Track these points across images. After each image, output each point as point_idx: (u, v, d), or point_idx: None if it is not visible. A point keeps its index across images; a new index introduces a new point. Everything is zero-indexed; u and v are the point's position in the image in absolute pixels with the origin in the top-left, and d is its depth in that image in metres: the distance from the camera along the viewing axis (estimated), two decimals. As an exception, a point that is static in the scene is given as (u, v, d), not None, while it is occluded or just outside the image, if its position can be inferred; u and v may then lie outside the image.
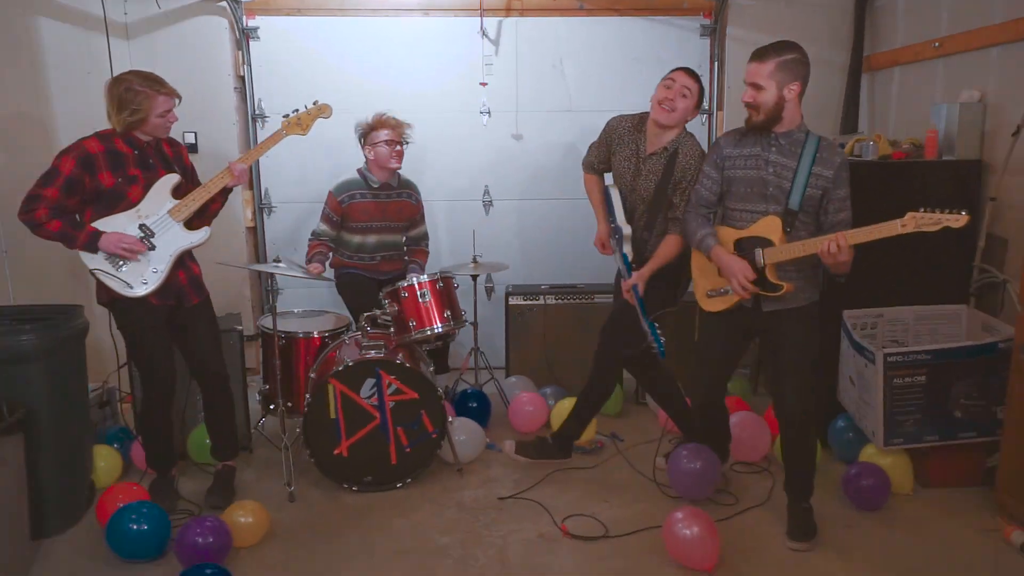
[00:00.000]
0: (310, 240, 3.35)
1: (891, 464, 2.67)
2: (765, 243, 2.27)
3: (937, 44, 3.19)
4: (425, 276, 2.97)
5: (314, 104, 2.69)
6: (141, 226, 2.45)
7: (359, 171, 3.34)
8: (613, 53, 3.86)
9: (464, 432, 3.01)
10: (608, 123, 2.78)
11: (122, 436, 2.99)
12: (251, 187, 3.90)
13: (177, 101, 2.54)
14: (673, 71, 2.62)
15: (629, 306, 2.64)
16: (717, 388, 2.63)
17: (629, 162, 2.69)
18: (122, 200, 2.44)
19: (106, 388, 3.10)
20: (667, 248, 2.62)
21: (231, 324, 3.07)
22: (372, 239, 3.36)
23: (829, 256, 2.16)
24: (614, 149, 2.74)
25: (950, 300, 2.94)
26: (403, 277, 3.21)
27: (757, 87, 2.27)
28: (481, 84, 3.77)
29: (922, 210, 2.12)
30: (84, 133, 2.48)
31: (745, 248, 2.32)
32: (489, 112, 3.85)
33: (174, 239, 2.49)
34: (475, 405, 3.24)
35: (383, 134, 3.25)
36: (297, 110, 2.69)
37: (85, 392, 2.74)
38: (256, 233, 3.96)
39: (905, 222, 2.12)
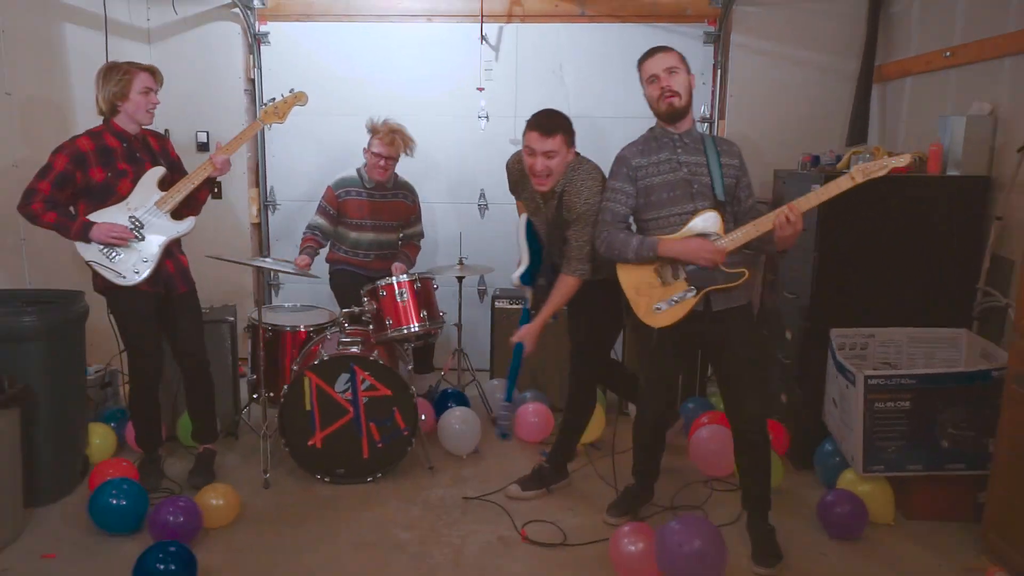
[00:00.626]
0: (304, 233, 3.47)
1: (870, 492, 2.58)
2: (709, 238, 2.25)
3: (948, 54, 3.06)
4: (404, 276, 3.05)
5: (291, 92, 2.79)
6: (131, 218, 2.61)
7: (357, 170, 3.46)
8: (614, 60, 3.85)
9: (462, 422, 3.07)
10: (506, 165, 2.73)
11: (119, 416, 3.18)
12: (257, 185, 4.09)
13: (159, 83, 2.68)
14: (526, 132, 2.46)
15: (596, 323, 2.64)
16: (672, 403, 2.59)
17: (533, 202, 2.63)
18: (112, 194, 2.62)
19: (109, 370, 3.30)
20: (561, 290, 2.51)
21: (223, 316, 3.23)
22: (367, 236, 3.46)
23: (787, 227, 2.15)
24: (518, 189, 2.70)
25: (953, 323, 2.82)
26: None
27: (675, 70, 2.30)
28: (478, 89, 3.83)
29: (861, 162, 2.19)
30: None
31: None
32: (487, 117, 3.91)
33: (162, 229, 2.64)
34: (453, 406, 3.26)
35: (375, 144, 3.34)
36: (274, 99, 2.80)
37: (82, 372, 2.93)
38: (260, 229, 4.14)
39: (853, 175, 2.14)
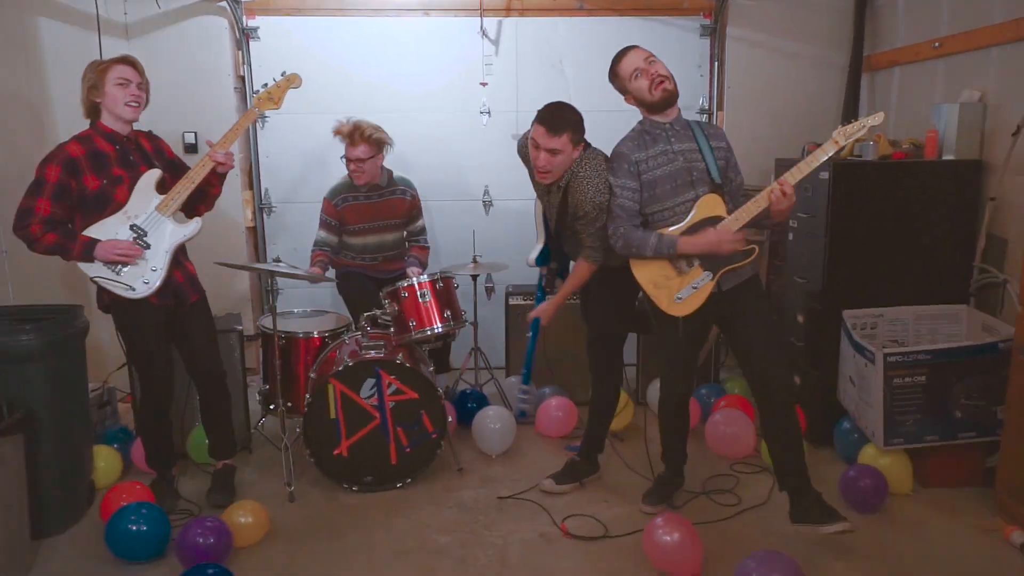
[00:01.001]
0: (312, 250, 3.35)
1: (890, 464, 2.67)
2: (715, 221, 2.29)
3: (937, 44, 3.19)
4: (425, 276, 2.97)
5: (283, 75, 2.63)
6: (132, 226, 2.43)
7: (349, 174, 3.34)
8: (613, 53, 3.82)
9: (499, 420, 3.04)
10: (518, 149, 2.70)
11: (122, 436, 2.99)
12: (251, 187, 3.91)
13: (140, 75, 2.48)
14: (534, 123, 2.41)
15: (608, 309, 2.65)
16: (692, 383, 2.68)
17: (539, 186, 2.60)
18: (109, 203, 2.43)
19: (106, 388, 3.10)
20: (576, 274, 2.55)
21: (231, 324, 3.08)
22: (372, 239, 3.37)
23: (783, 200, 2.22)
24: (530, 172, 2.69)
25: (950, 300, 2.95)
26: (404, 276, 3.21)
27: (653, 59, 2.39)
28: (481, 84, 3.78)
29: (842, 125, 2.25)
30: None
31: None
32: (489, 112, 3.86)
33: (167, 235, 2.47)
34: (474, 406, 3.23)
35: (345, 150, 3.23)
36: (266, 84, 2.64)
37: (85, 392, 2.74)
38: (256, 233, 3.97)
39: (836, 138, 2.22)
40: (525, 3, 3.81)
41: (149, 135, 2.63)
